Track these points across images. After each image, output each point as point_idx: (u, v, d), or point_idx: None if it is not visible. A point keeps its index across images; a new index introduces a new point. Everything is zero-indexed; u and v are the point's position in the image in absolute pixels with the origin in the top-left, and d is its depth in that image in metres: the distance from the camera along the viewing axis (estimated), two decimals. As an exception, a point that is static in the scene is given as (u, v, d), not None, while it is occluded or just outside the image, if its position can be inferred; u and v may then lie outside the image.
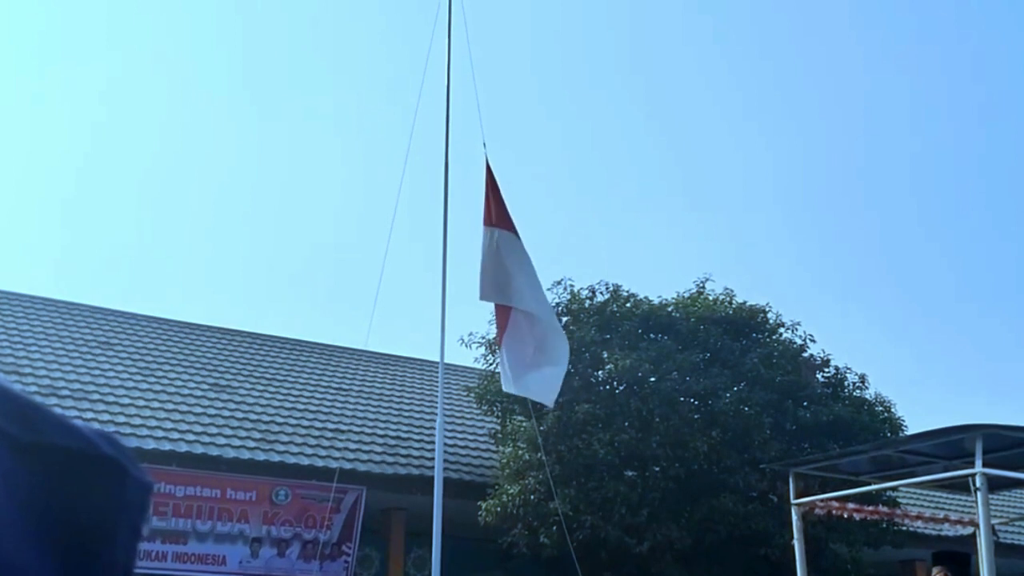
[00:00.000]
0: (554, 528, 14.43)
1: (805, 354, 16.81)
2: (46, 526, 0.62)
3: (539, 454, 14.66)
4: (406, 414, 18.76)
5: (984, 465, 9.75)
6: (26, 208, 34.57)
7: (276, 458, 15.39)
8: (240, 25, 34.97)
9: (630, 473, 15.19)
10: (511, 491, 15.19)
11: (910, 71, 35.00)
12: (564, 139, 36.53)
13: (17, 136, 32.77)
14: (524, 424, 15.77)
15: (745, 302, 16.98)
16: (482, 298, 11.14)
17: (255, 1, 34.52)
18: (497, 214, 11.00)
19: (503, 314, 11.17)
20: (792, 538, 11.48)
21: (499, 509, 15.21)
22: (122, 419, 14.76)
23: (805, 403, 16.19)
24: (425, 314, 36.20)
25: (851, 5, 35.15)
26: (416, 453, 16.99)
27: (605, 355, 15.63)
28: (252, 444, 15.55)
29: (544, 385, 11.13)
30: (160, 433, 14.91)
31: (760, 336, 16.82)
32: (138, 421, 15.00)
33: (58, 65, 32.59)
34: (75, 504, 0.64)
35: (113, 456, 0.67)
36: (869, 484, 12.34)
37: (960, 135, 36.77)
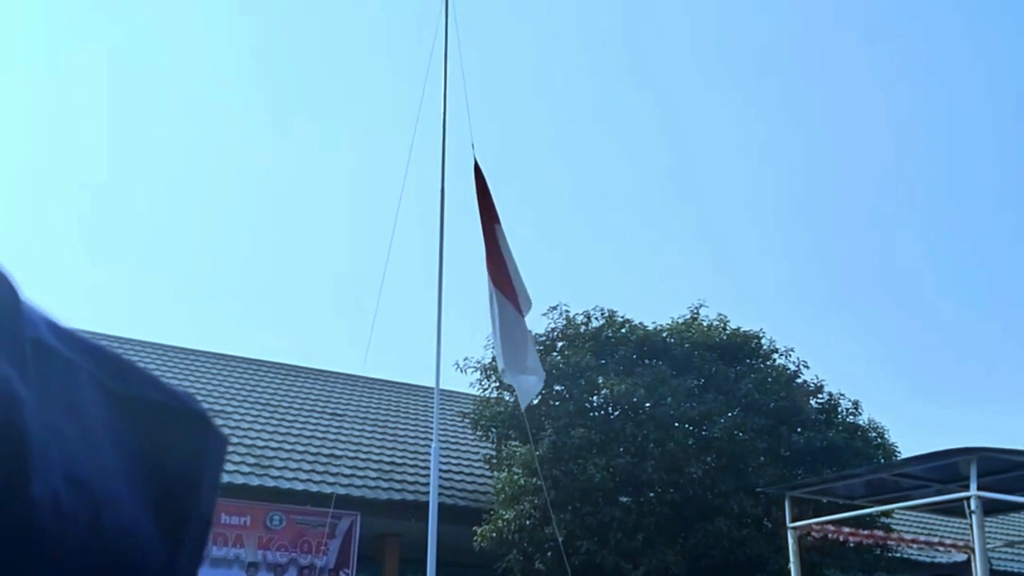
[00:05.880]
0: (549, 553, 14.41)
1: (799, 380, 16.86)
2: (141, 476, 0.67)
3: (534, 479, 14.66)
4: (400, 439, 18.76)
5: (979, 488, 9.79)
6: (22, 228, 34.59)
7: (270, 483, 15.38)
8: (240, 34, 35.17)
9: (625, 498, 15.19)
10: (506, 516, 15.17)
11: (910, 94, 35.26)
12: (560, 164, 36.70)
13: (17, 152, 32.83)
14: (519, 449, 15.77)
15: (739, 328, 17.04)
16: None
17: (257, 15, 34.72)
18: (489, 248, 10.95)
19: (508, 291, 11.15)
20: (788, 562, 11.50)
21: (494, 534, 15.19)
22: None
23: (799, 429, 16.23)
24: (420, 339, 36.19)
25: (849, 29, 35.44)
26: (411, 479, 16.98)
27: (600, 380, 15.66)
28: (246, 469, 15.53)
29: (528, 389, 11.31)
30: (154, 458, 14.89)
31: (754, 362, 16.87)
32: (133, 446, 14.98)
33: (59, 81, 32.71)
34: (166, 456, 0.69)
35: (199, 411, 0.72)
36: (864, 508, 12.36)
37: (958, 153, 36.99)
